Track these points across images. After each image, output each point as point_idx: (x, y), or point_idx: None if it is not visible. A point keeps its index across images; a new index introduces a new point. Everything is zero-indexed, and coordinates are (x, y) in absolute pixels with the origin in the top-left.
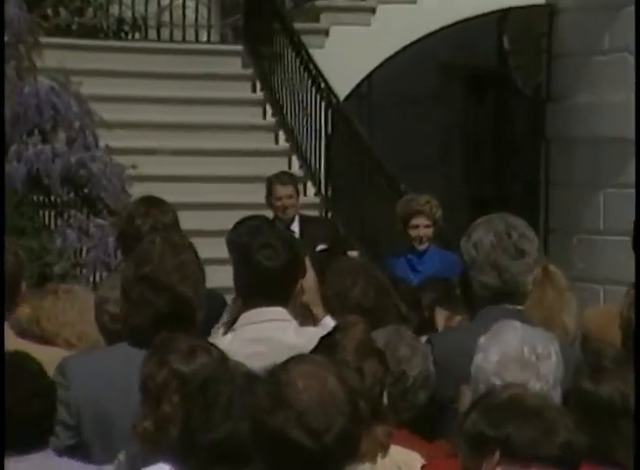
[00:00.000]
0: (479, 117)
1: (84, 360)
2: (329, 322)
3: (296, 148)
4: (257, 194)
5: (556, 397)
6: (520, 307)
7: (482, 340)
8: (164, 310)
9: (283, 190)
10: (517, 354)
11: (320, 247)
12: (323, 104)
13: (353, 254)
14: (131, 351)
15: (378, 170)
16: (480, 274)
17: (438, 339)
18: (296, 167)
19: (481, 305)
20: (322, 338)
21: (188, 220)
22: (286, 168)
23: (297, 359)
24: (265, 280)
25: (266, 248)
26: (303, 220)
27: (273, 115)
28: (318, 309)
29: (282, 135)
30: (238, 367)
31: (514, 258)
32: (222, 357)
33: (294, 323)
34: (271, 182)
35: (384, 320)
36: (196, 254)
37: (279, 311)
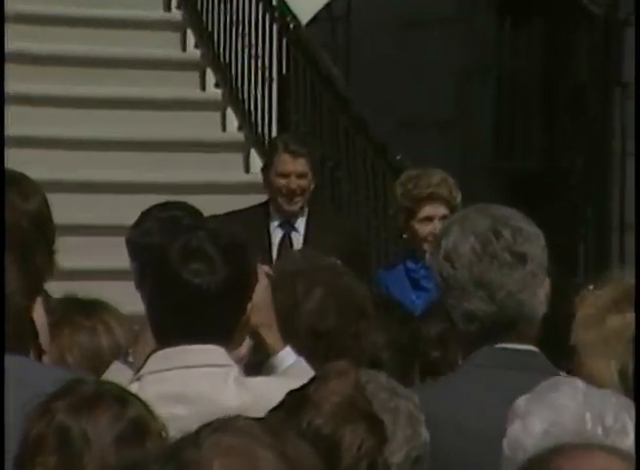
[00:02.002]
0: (520, 50)
1: None
2: (287, 357)
3: (232, 96)
4: (175, 168)
5: None
6: (529, 347)
7: (522, 402)
8: None
9: (292, 163)
10: (575, 425)
11: None
12: (275, 28)
13: None
14: None
15: (359, 132)
16: (461, 300)
17: None
18: (232, 127)
19: (469, 349)
20: (290, 393)
21: (66, 209)
22: (217, 127)
23: (215, 426)
24: (195, 306)
25: (196, 257)
26: (313, 216)
27: (198, 45)
28: (273, 337)
29: (211, 76)
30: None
31: (510, 268)
32: (142, 417)
33: (235, 371)
34: (275, 148)
35: (345, 354)
36: None
37: (214, 352)
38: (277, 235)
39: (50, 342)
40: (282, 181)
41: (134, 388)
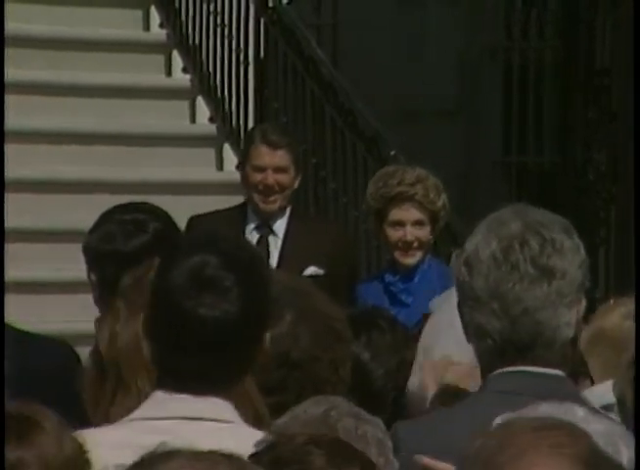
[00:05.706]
0: (532, 29)
1: None
2: None
3: (203, 83)
4: (137, 165)
5: None
6: (554, 371)
7: None
8: None
9: (270, 155)
10: None
11: (310, 270)
12: (251, 6)
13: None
14: None
15: (349, 124)
16: (474, 310)
17: (405, 432)
18: (203, 118)
19: (486, 369)
20: (253, 455)
21: (14, 212)
22: (186, 118)
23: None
24: (199, 346)
25: (210, 287)
26: (296, 219)
27: (163, 24)
28: None
29: (178, 60)
30: None
31: (531, 282)
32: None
33: (240, 429)
34: (252, 138)
35: (322, 387)
36: None
37: (213, 405)
38: (253, 239)
39: None
40: (258, 176)
41: (122, 428)
